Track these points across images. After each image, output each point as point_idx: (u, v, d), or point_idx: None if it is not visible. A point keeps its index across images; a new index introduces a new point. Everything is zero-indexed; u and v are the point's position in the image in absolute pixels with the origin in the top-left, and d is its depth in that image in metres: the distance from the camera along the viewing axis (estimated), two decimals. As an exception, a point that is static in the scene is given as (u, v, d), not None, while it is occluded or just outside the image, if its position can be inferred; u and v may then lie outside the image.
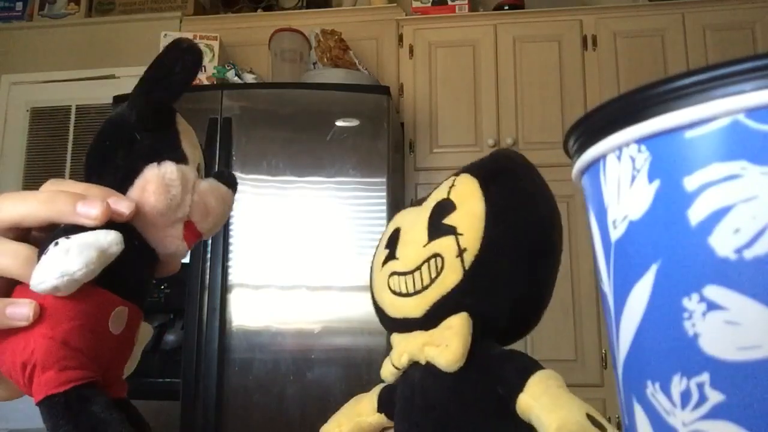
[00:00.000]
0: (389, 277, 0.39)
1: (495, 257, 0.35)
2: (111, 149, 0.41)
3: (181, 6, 2.36)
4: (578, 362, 1.86)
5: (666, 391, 0.22)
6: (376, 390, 0.42)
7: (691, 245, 0.21)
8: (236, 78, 2.01)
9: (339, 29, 2.07)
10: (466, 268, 0.35)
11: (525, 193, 0.39)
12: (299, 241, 1.68)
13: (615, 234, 0.24)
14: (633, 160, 0.23)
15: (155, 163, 0.40)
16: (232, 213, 1.82)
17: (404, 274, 0.37)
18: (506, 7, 2.19)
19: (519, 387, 0.33)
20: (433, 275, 0.36)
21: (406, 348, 0.37)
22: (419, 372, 0.37)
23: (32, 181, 2.33)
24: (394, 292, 0.38)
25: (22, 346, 0.35)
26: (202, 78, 2.02)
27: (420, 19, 2.18)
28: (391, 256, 0.40)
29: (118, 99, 1.86)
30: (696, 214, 0.21)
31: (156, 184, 0.39)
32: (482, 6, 2.37)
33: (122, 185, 0.39)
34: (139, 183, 0.39)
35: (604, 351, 1.85)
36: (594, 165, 0.26)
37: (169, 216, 0.40)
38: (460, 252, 0.35)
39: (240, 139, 1.75)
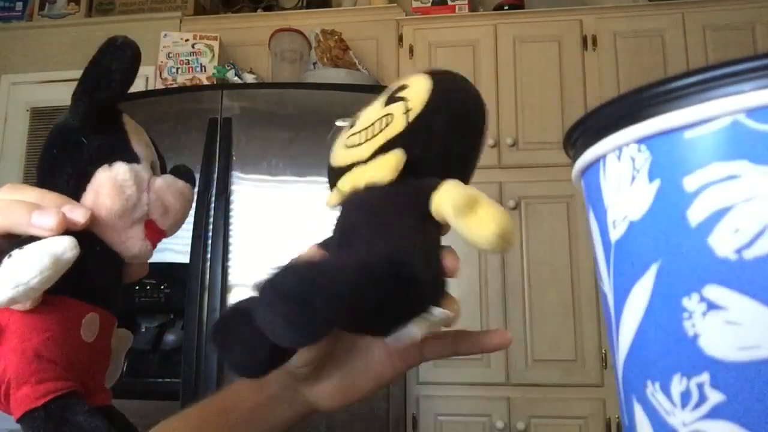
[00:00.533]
0: (347, 140, 0.44)
1: (433, 116, 0.42)
2: (59, 156, 0.40)
3: (181, 6, 2.36)
4: (578, 362, 1.86)
5: (666, 391, 0.22)
6: None
7: (691, 245, 0.21)
8: (236, 78, 2.01)
9: (339, 29, 2.07)
10: (410, 120, 0.41)
11: (463, 86, 0.47)
12: (299, 241, 1.68)
13: (615, 234, 0.24)
14: (633, 160, 0.23)
15: (106, 165, 0.39)
16: (231, 213, 1.81)
17: (359, 132, 0.44)
18: (506, 7, 2.19)
19: (434, 188, 0.39)
20: (383, 126, 0.42)
21: (349, 177, 0.43)
22: (357, 193, 0.42)
23: (32, 181, 2.32)
24: (348, 147, 0.44)
25: None
26: (202, 78, 2.02)
27: (420, 19, 2.18)
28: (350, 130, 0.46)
29: (118, 99, 1.86)
30: (696, 214, 0.21)
31: (109, 186, 0.39)
32: (482, 6, 2.37)
33: (76, 191, 0.39)
34: (92, 187, 0.39)
35: (604, 351, 1.85)
36: (594, 165, 0.26)
37: (127, 217, 0.40)
38: (407, 111, 0.42)
39: (240, 139, 1.75)
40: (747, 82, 0.20)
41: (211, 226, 1.69)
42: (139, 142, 0.43)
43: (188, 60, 2.05)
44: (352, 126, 0.46)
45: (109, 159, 0.40)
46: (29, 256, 0.33)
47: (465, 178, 0.45)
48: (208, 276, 1.66)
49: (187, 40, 2.07)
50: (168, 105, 1.83)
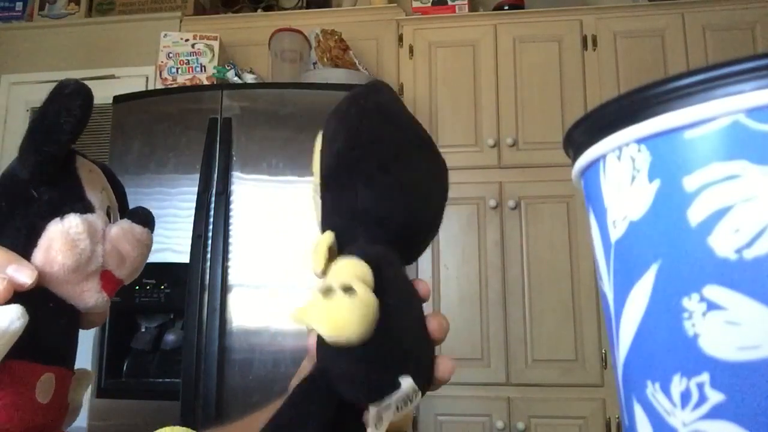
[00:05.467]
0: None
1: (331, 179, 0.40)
2: (8, 209, 0.38)
3: (181, 6, 2.36)
4: (578, 362, 1.86)
5: (666, 391, 0.22)
6: None
7: (690, 245, 0.21)
8: (236, 78, 2.01)
9: (339, 29, 2.07)
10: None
11: (344, 122, 0.42)
12: (299, 241, 1.68)
13: (615, 234, 0.24)
14: (633, 160, 0.23)
15: (57, 219, 0.37)
16: (231, 213, 1.80)
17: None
18: (506, 7, 2.19)
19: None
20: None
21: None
22: None
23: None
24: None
25: None
26: (202, 78, 2.02)
27: (420, 19, 2.18)
28: None
29: (118, 99, 1.86)
30: (696, 214, 0.21)
31: (61, 241, 0.37)
32: (482, 6, 2.37)
33: (26, 247, 0.37)
34: (43, 243, 0.37)
35: (604, 351, 1.85)
36: (594, 165, 0.26)
37: (82, 271, 0.38)
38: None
39: (240, 139, 1.75)
40: (747, 82, 0.20)
41: (211, 226, 1.69)
42: (93, 188, 0.41)
43: (188, 60, 2.05)
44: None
45: (60, 211, 0.38)
46: None
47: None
48: (208, 276, 1.66)
49: (187, 40, 2.07)
50: (168, 105, 1.83)
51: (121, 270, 0.41)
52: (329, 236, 0.39)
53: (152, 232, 0.45)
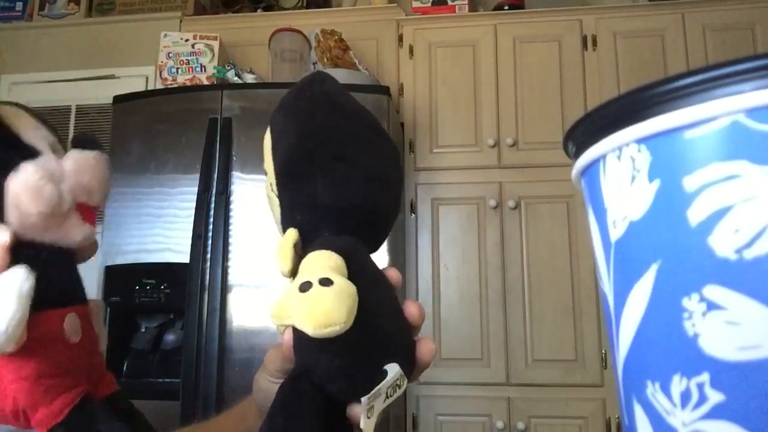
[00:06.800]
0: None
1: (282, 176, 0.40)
2: None
3: (181, 6, 2.36)
4: (578, 362, 1.86)
5: (666, 391, 0.22)
6: None
7: (691, 245, 0.21)
8: (236, 78, 2.01)
9: (339, 29, 2.07)
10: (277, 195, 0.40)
11: (289, 113, 0.42)
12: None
13: (615, 234, 0.24)
14: (633, 160, 0.23)
15: (11, 174, 0.37)
16: (231, 213, 1.80)
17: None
18: (506, 7, 2.19)
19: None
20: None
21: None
22: None
23: (32, 181, 2.32)
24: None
25: (1, 399, 0.35)
26: (202, 78, 2.02)
27: (420, 19, 2.18)
28: None
29: (118, 99, 1.86)
30: (696, 214, 0.21)
31: (26, 193, 0.37)
32: (482, 6, 2.37)
33: None
34: (10, 201, 0.37)
35: (604, 351, 1.85)
36: (594, 165, 0.26)
37: (57, 213, 0.39)
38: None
39: (240, 139, 1.75)
40: (747, 82, 0.20)
41: (210, 226, 1.69)
42: (27, 131, 0.40)
43: (188, 60, 2.05)
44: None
45: (10, 165, 0.37)
46: None
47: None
48: (207, 276, 1.66)
49: (187, 40, 2.07)
50: (168, 105, 1.83)
51: (92, 198, 0.42)
52: (293, 234, 0.38)
53: (102, 152, 0.44)
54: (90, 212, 0.42)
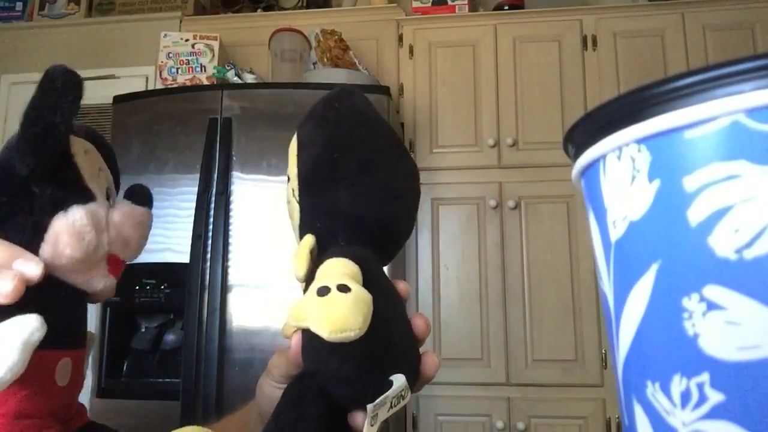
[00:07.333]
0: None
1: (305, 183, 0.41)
2: (10, 205, 0.38)
3: (181, 6, 2.36)
4: (578, 362, 1.86)
5: (666, 391, 0.22)
6: None
7: (690, 245, 0.21)
8: (236, 78, 2.01)
9: (339, 29, 2.07)
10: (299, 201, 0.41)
11: (321, 125, 0.43)
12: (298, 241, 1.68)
13: (615, 234, 0.24)
14: (633, 160, 0.23)
15: (61, 213, 0.38)
16: (231, 213, 1.80)
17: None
18: (506, 7, 2.19)
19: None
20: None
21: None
22: None
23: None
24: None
25: None
26: (202, 78, 2.02)
27: (420, 19, 2.18)
28: None
29: (118, 99, 1.86)
30: (696, 214, 0.21)
31: (68, 235, 0.37)
32: (482, 6, 2.37)
33: (31, 243, 0.37)
34: (49, 238, 0.37)
35: (604, 351, 1.85)
36: (594, 165, 0.26)
37: (89, 260, 0.39)
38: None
39: (240, 139, 1.75)
40: (747, 82, 0.20)
41: (210, 226, 1.69)
42: (90, 174, 0.41)
43: (188, 60, 2.05)
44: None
45: (64, 205, 0.38)
46: None
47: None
48: (207, 276, 1.66)
49: (187, 40, 2.07)
50: (168, 105, 1.83)
51: (126, 252, 0.42)
52: (310, 239, 0.39)
53: (151, 209, 0.45)
54: (118, 264, 0.42)
